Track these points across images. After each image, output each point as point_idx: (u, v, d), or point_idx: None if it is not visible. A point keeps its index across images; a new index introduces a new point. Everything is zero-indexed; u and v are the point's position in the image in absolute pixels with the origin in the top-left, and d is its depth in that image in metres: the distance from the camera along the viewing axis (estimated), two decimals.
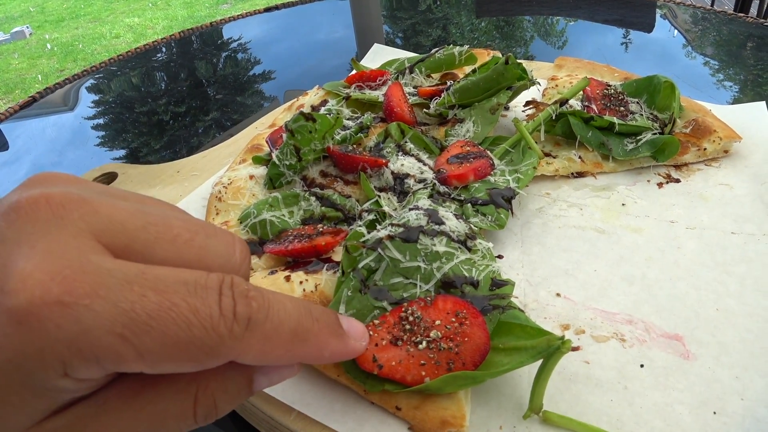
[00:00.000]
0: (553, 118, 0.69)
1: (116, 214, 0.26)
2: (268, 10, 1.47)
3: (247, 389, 0.28)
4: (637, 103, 0.73)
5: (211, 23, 1.43)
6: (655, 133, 0.68)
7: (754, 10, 2.05)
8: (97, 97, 1.20)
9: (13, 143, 1.04)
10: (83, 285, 0.23)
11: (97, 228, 0.25)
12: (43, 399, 0.24)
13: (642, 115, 0.71)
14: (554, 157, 0.69)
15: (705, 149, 0.68)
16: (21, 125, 1.10)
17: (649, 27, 1.24)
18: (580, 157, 0.69)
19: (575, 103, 0.72)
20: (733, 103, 0.79)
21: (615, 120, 0.68)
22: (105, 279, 0.24)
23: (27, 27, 4.95)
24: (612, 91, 0.73)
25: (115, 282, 0.24)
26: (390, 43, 1.25)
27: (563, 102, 0.70)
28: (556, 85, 0.81)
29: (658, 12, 1.29)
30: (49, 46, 4.61)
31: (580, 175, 0.68)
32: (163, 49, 1.35)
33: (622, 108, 0.71)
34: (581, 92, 0.73)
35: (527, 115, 0.75)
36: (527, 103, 0.75)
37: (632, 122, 0.69)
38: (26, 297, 0.22)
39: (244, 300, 0.26)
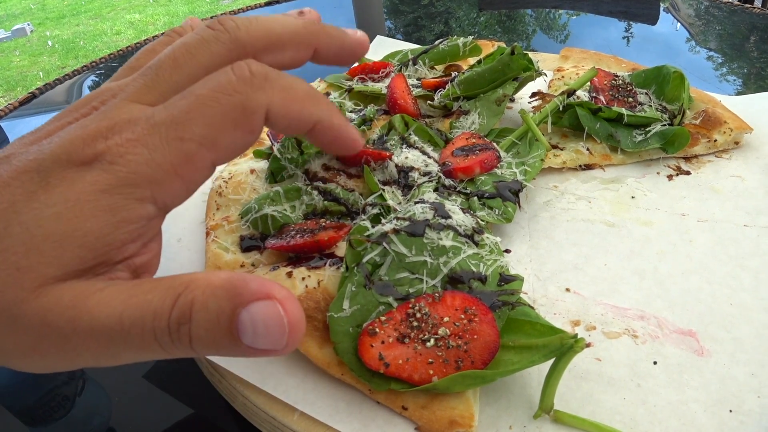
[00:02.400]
0: (560, 109, 0.68)
1: None
2: (269, 4, 1.46)
3: (228, 325, 0.26)
4: (646, 93, 0.71)
5: (211, 17, 1.42)
6: (664, 125, 0.66)
7: (759, 2, 2.03)
8: None
9: None
10: (140, 125, 0.29)
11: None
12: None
13: (651, 106, 0.69)
14: (562, 149, 0.68)
15: (715, 141, 0.66)
16: (23, 122, 1.09)
17: (653, 19, 1.23)
18: (588, 149, 0.67)
19: (583, 94, 0.70)
20: (737, 96, 0.78)
21: (624, 111, 0.66)
22: (151, 114, 0.29)
23: (28, 24, 4.94)
24: (620, 81, 0.72)
25: (158, 111, 0.29)
26: (391, 37, 1.23)
27: (570, 93, 0.68)
28: (562, 77, 0.79)
29: (662, 4, 1.28)
30: (50, 43, 4.59)
31: (588, 167, 0.67)
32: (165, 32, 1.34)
33: (630, 99, 0.70)
34: (589, 83, 0.71)
35: (533, 107, 0.73)
36: (533, 95, 0.74)
37: (641, 113, 0.67)
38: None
39: (256, 63, 0.30)
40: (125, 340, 0.26)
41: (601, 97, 0.70)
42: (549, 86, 0.80)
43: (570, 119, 0.68)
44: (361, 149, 0.36)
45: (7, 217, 0.27)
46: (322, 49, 0.37)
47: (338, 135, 0.34)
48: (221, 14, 1.42)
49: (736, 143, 0.67)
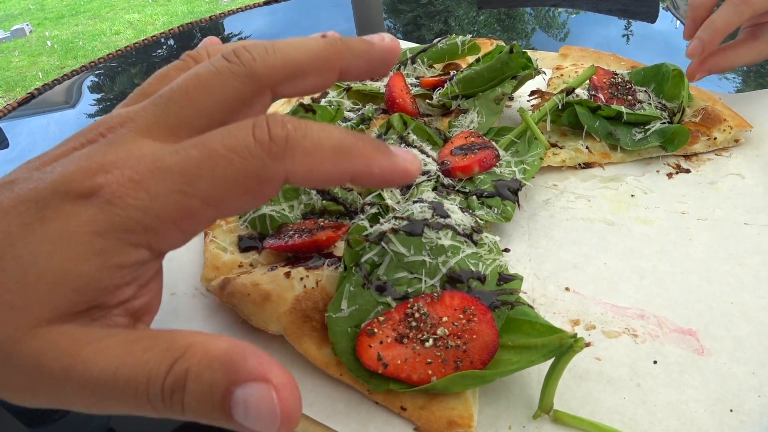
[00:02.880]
0: (560, 107, 0.67)
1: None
2: (268, 3, 1.46)
3: (221, 401, 0.25)
4: (645, 91, 0.71)
5: (210, 17, 1.41)
6: (664, 123, 0.66)
7: None
8: (99, 96, 1.19)
9: (16, 141, 1.02)
10: (145, 165, 0.27)
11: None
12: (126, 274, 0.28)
13: (650, 104, 0.69)
14: (561, 148, 0.68)
15: (715, 138, 0.66)
16: (22, 123, 1.09)
17: (652, 17, 1.22)
18: (587, 148, 0.67)
19: (582, 93, 0.70)
20: (737, 93, 0.78)
21: (623, 109, 0.66)
22: (160, 156, 0.28)
23: (27, 24, 4.93)
24: (619, 79, 0.71)
25: (167, 154, 0.28)
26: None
27: (570, 91, 0.68)
28: (561, 75, 0.79)
29: (661, 3, 1.27)
30: (49, 43, 4.59)
31: (587, 165, 0.67)
32: (164, 44, 1.34)
33: (629, 97, 0.69)
34: (588, 81, 0.71)
35: (532, 106, 0.73)
36: (532, 93, 0.74)
37: (640, 111, 0.67)
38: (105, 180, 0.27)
39: (277, 125, 0.28)
40: (118, 397, 0.26)
41: (601, 96, 0.69)
42: (548, 85, 0.79)
43: (569, 117, 0.68)
44: (418, 173, 0.33)
45: (2, 248, 0.26)
46: (348, 69, 0.35)
47: (383, 178, 0.32)
48: (219, 13, 1.42)
49: (736, 141, 0.67)
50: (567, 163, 0.66)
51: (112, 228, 0.27)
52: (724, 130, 0.66)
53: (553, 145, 0.68)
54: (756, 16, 0.67)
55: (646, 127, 0.66)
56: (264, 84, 0.32)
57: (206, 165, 0.27)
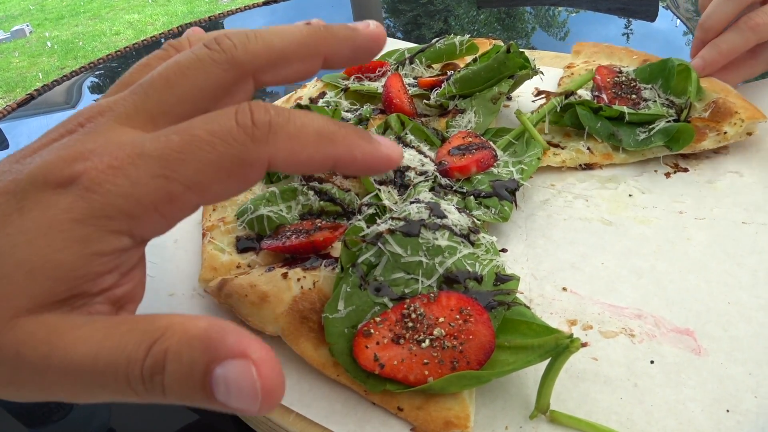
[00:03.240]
0: (558, 110, 0.67)
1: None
2: (267, 3, 1.46)
3: (201, 380, 0.24)
4: (652, 88, 0.70)
5: (210, 17, 1.41)
6: (669, 121, 0.65)
7: None
8: (99, 96, 1.19)
9: (15, 142, 1.02)
10: (125, 151, 0.27)
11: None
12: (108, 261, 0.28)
13: (656, 101, 0.68)
14: (562, 148, 0.67)
15: (725, 133, 0.64)
16: (22, 124, 1.09)
17: (652, 16, 1.22)
18: (588, 149, 0.66)
19: (584, 93, 0.69)
20: (749, 83, 0.76)
21: (625, 109, 0.65)
22: (140, 142, 0.28)
23: (27, 25, 4.94)
24: (623, 78, 0.71)
25: (148, 140, 0.28)
26: (391, 36, 1.23)
27: (569, 94, 0.68)
28: (572, 74, 0.78)
29: (660, 2, 1.27)
30: (49, 44, 4.59)
31: (588, 166, 0.66)
32: (164, 44, 1.34)
33: (634, 96, 0.69)
34: (591, 81, 0.71)
35: (538, 106, 0.73)
36: (538, 93, 0.73)
37: (645, 110, 0.66)
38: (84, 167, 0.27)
39: (261, 110, 0.28)
40: (99, 382, 0.25)
41: (604, 96, 0.69)
42: (558, 84, 0.79)
43: (571, 118, 0.67)
44: (400, 160, 0.33)
45: None
46: (332, 56, 0.35)
47: (366, 163, 0.32)
48: (219, 13, 1.42)
49: (749, 134, 0.64)
50: (567, 163, 0.66)
51: (92, 215, 0.26)
52: (735, 124, 0.64)
53: (555, 146, 0.68)
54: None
55: (650, 127, 0.65)
56: (246, 71, 0.32)
57: (188, 150, 0.27)
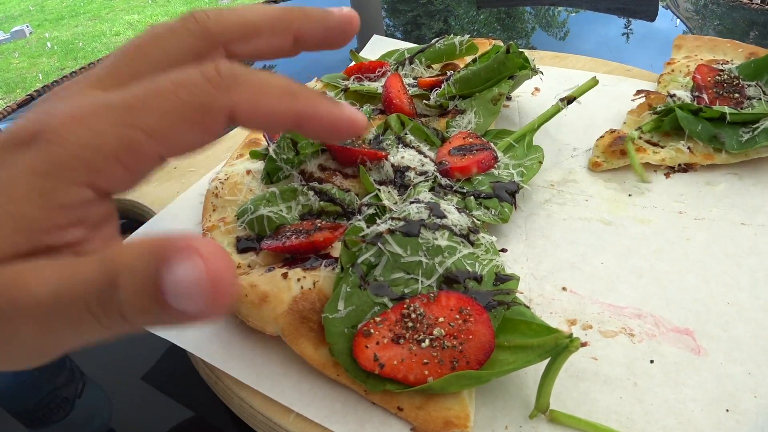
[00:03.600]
0: (654, 114, 0.65)
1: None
2: (266, 3, 1.46)
3: (154, 288, 0.24)
4: (756, 85, 0.67)
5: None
6: None
7: None
8: None
9: None
10: (89, 104, 0.27)
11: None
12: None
13: (761, 99, 0.65)
14: (662, 147, 0.65)
15: None
16: None
17: (651, 16, 1.23)
18: (689, 148, 0.64)
19: (685, 95, 0.67)
20: None
21: (726, 110, 0.62)
22: (105, 96, 0.28)
23: (27, 26, 4.93)
24: (725, 76, 0.68)
25: (113, 94, 0.28)
26: (391, 36, 1.23)
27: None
28: (672, 71, 0.75)
29: (660, 1, 1.27)
30: (49, 44, 4.59)
31: (688, 166, 0.64)
32: None
33: (737, 94, 0.66)
34: (691, 81, 0.69)
35: (638, 106, 0.70)
36: (637, 93, 0.71)
37: (748, 109, 0.63)
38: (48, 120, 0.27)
39: (226, 63, 0.29)
40: (62, 316, 0.25)
41: (705, 96, 0.66)
42: (658, 82, 0.76)
43: (671, 123, 0.65)
44: (364, 127, 0.33)
45: None
46: (304, 34, 0.35)
47: (330, 123, 0.31)
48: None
49: None
50: (667, 162, 0.64)
51: (53, 167, 0.26)
52: None
53: (654, 144, 0.66)
54: None
55: (754, 126, 0.61)
56: (217, 40, 0.32)
57: (152, 98, 0.27)
